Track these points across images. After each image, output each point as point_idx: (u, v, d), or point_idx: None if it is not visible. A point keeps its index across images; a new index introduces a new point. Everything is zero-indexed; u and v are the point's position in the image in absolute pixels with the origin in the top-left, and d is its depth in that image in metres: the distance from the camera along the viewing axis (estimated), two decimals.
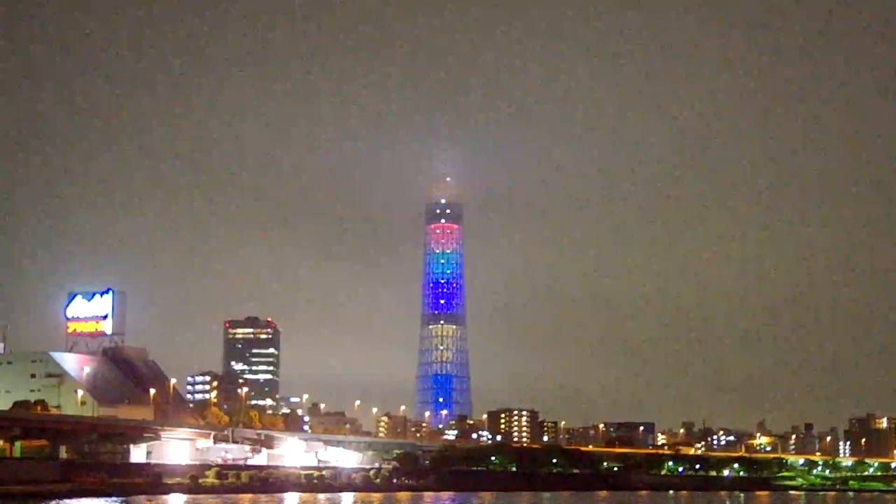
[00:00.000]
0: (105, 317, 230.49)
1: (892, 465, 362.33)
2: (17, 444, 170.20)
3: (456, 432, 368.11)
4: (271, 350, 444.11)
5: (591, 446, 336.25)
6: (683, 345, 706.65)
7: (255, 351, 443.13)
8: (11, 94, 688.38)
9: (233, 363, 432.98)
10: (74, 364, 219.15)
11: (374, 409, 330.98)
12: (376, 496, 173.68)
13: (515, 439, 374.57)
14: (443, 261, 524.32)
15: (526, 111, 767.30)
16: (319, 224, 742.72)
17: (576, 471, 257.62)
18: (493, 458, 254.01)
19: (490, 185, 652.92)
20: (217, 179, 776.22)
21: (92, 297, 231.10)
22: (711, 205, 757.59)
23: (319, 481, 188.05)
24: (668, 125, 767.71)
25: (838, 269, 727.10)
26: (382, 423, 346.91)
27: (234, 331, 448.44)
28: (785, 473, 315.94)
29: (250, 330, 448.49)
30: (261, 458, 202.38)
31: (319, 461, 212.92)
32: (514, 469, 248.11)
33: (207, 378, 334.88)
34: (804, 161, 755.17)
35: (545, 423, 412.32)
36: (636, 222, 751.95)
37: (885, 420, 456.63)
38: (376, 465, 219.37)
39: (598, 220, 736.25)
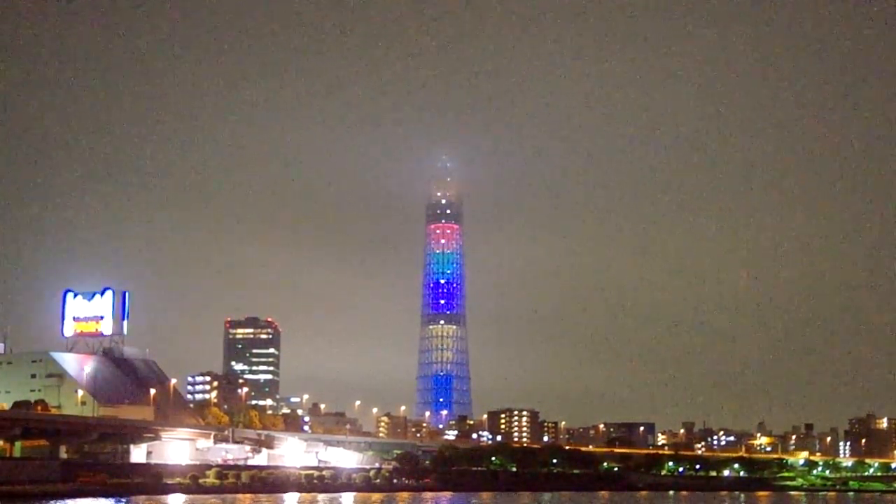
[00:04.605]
0: (105, 317, 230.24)
1: (893, 466, 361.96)
2: (17, 444, 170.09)
3: (456, 432, 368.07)
4: (271, 350, 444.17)
5: (591, 446, 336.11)
6: (683, 345, 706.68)
7: (255, 351, 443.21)
8: (12, 94, 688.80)
9: (233, 363, 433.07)
10: (74, 364, 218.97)
11: (375, 410, 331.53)
12: (376, 496, 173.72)
13: (515, 439, 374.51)
14: (443, 261, 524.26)
15: (526, 111, 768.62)
16: (319, 224, 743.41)
17: (576, 471, 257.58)
18: (493, 458, 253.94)
19: (490, 185, 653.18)
20: (217, 180, 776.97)
21: (92, 297, 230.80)
22: (712, 206, 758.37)
23: (319, 481, 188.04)
24: (670, 126, 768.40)
25: (839, 270, 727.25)
26: (382, 424, 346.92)
27: (234, 331, 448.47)
28: (785, 474, 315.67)
29: (250, 330, 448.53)
30: (261, 459, 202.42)
31: (319, 461, 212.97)
32: (514, 469, 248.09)
33: (207, 378, 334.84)
34: (804, 163, 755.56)
35: (545, 424, 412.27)
36: (636, 223, 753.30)
37: (885, 420, 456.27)
38: (376, 465, 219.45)
39: (598, 221, 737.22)
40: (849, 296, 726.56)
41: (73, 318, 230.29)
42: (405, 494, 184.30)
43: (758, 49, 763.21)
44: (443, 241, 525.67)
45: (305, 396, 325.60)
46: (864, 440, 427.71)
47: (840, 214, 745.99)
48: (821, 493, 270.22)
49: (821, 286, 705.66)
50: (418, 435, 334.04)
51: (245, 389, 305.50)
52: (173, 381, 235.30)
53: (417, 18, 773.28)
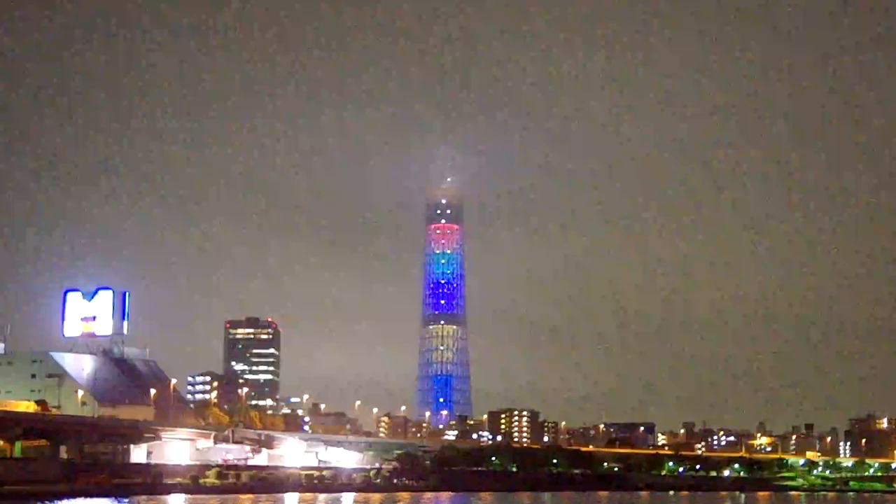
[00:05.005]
0: (104, 317, 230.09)
1: (893, 466, 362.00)
2: (17, 444, 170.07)
3: (456, 432, 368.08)
4: (271, 350, 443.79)
5: (591, 447, 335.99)
6: (683, 345, 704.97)
7: (255, 351, 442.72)
8: (10, 94, 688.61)
9: (233, 363, 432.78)
10: (74, 364, 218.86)
11: (375, 410, 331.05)
12: (376, 496, 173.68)
13: (516, 439, 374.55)
14: (443, 261, 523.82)
15: (525, 111, 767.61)
16: (319, 224, 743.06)
17: (576, 471, 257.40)
18: (493, 458, 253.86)
19: (490, 185, 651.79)
20: (217, 180, 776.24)
21: (92, 297, 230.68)
22: (713, 206, 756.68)
23: (319, 481, 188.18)
24: (670, 125, 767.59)
25: (839, 270, 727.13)
26: (383, 424, 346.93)
27: (234, 331, 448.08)
28: (785, 474, 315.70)
29: (250, 330, 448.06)
30: (261, 459, 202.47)
31: (320, 461, 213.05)
32: (514, 469, 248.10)
33: (208, 378, 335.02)
34: (806, 163, 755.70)
35: (545, 424, 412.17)
36: (637, 223, 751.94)
37: (885, 420, 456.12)
38: (376, 465, 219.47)
39: (598, 221, 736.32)
40: (849, 296, 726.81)
41: (74, 318, 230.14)
42: (405, 494, 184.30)
43: (759, 50, 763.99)
44: (443, 241, 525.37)
45: (305, 396, 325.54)
46: (864, 440, 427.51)
47: (840, 214, 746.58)
48: (821, 493, 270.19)
49: (821, 286, 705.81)
50: (418, 435, 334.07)
51: (245, 389, 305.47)
52: (173, 381, 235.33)
53: (418, 18, 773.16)
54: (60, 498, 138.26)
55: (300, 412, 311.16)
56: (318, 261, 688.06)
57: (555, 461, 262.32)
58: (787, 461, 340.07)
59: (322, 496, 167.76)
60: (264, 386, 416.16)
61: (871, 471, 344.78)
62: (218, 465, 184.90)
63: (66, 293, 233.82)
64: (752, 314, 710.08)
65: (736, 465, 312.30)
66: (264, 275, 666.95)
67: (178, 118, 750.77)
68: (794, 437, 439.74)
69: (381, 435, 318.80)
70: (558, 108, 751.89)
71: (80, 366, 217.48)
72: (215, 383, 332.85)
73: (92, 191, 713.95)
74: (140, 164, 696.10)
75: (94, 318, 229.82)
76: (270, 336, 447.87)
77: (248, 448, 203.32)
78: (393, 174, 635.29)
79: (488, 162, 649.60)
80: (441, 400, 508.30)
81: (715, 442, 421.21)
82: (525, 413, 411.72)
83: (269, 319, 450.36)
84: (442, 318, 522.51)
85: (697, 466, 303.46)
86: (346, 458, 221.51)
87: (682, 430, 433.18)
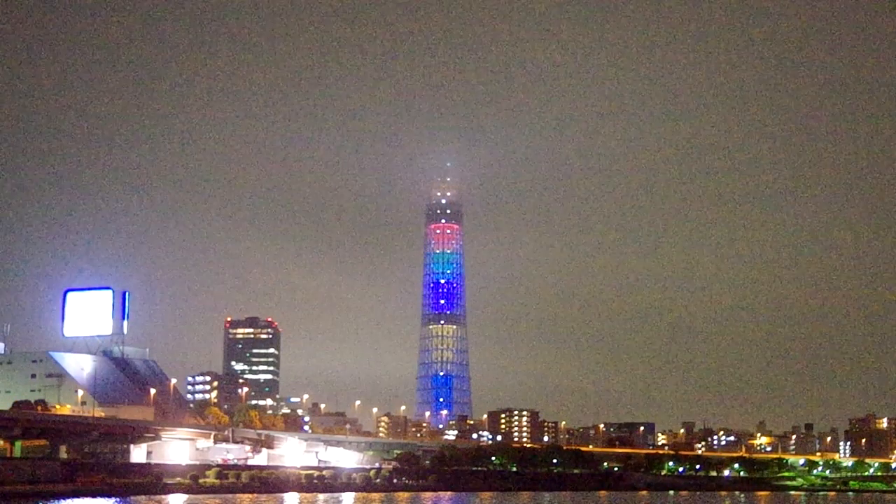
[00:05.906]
0: (104, 317, 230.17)
1: (893, 466, 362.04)
2: (17, 444, 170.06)
3: (456, 432, 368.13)
4: (271, 350, 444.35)
5: (591, 446, 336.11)
6: (683, 345, 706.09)
7: (255, 351, 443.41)
8: (11, 93, 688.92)
9: (233, 363, 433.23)
10: (74, 364, 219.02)
11: (375, 409, 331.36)
12: (376, 496, 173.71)
13: (516, 439, 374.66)
14: (443, 261, 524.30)
15: (526, 110, 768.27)
16: (320, 224, 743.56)
17: (576, 471, 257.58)
18: (493, 458, 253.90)
19: (490, 185, 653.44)
20: (218, 180, 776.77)
21: (92, 297, 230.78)
22: (713, 206, 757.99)
23: (319, 481, 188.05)
24: (671, 125, 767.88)
25: (838, 270, 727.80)
26: (383, 424, 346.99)
27: (234, 331, 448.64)
28: (785, 473, 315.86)
29: (250, 330, 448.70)
30: (261, 458, 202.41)
31: (320, 461, 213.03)
32: (514, 469, 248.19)
33: (207, 378, 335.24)
34: (803, 162, 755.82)
35: (545, 424, 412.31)
36: (637, 223, 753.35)
37: (885, 420, 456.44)
38: (376, 465, 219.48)
39: (598, 221, 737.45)
40: (849, 296, 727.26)
41: (74, 318, 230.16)
42: (405, 494, 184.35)
43: (759, 50, 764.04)
44: (443, 241, 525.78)
45: (305, 396, 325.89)
46: (864, 440, 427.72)
47: (841, 215, 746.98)
48: (821, 493, 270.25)
49: (821, 286, 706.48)
50: (418, 435, 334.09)
51: (245, 389, 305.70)
52: (173, 381, 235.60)
53: (418, 19, 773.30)
54: (60, 498, 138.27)
55: (300, 412, 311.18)
56: (318, 261, 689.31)
57: (555, 461, 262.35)
58: (786, 461, 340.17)
59: (322, 496, 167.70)
60: (264, 386, 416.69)
61: (871, 471, 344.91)
62: (218, 465, 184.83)
63: (66, 293, 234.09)
64: (753, 314, 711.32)
65: (736, 465, 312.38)
66: (264, 275, 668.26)
67: (177, 118, 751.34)
68: (793, 437, 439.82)
69: (381, 435, 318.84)
70: (560, 108, 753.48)
71: (80, 366, 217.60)
72: (215, 383, 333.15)
73: (92, 191, 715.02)
74: (140, 163, 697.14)
75: (94, 318, 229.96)
76: (270, 336, 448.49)
77: (248, 448, 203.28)
78: (393, 174, 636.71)
79: (488, 162, 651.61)
80: (441, 400, 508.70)
81: (715, 442, 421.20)
82: (525, 413, 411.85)
83: (269, 319, 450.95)
84: (442, 318, 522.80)
85: (697, 466, 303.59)
86: (346, 458, 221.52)
87: (682, 430, 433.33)
